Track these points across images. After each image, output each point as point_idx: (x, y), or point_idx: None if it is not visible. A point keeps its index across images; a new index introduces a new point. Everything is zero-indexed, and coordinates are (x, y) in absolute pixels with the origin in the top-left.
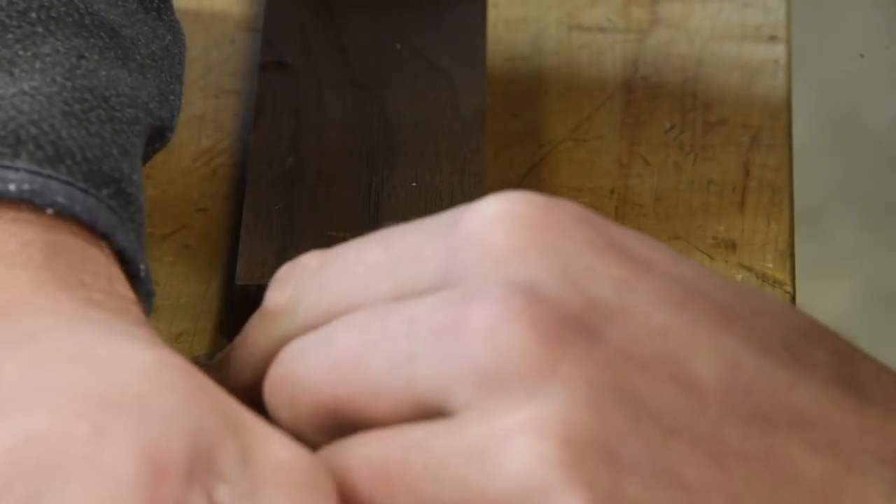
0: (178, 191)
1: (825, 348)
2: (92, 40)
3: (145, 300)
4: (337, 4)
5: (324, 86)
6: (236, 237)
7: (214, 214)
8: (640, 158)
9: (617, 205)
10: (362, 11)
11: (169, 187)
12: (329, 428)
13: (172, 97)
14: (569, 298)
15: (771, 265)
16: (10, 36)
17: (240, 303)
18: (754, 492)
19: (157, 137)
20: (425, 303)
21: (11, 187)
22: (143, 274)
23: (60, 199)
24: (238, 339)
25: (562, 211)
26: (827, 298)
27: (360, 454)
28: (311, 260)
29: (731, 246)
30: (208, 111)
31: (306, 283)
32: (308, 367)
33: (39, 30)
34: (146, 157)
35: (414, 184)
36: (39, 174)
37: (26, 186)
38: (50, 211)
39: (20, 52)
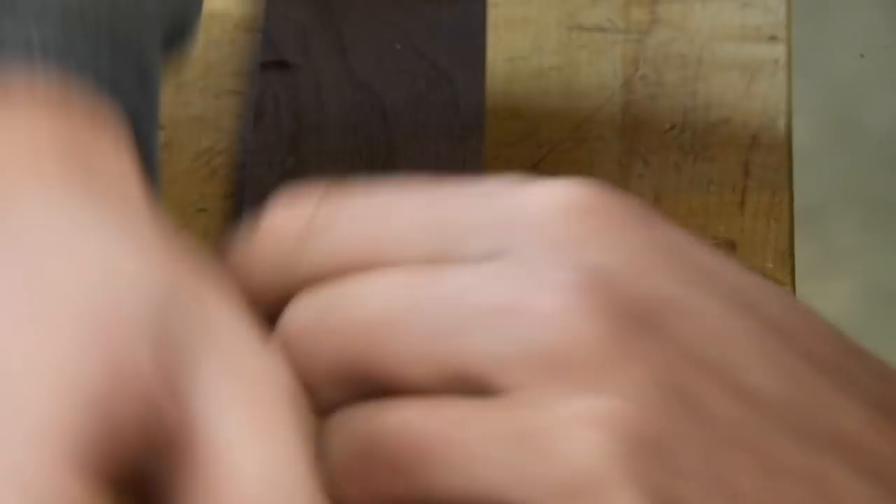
0: (178, 191)
1: (864, 369)
2: None
3: (151, 177)
4: (337, 4)
5: (324, 86)
6: (236, 237)
7: (214, 214)
8: (640, 158)
9: None
10: (362, 11)
11: (169, 187)
12: (345, 384)
13: None
14: (639, 292)
15: (771, 265)
16: None
17: None
18: None
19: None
20: (481, 273)
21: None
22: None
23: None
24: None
25: (629, 206)
26: (827, 298)
27: (400, 422)
28: (332, 191)
29: (731, 246)
30: (208, 111)
31: (326, 216)
32: (336, 322)
33: None
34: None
35: None
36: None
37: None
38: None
39: None
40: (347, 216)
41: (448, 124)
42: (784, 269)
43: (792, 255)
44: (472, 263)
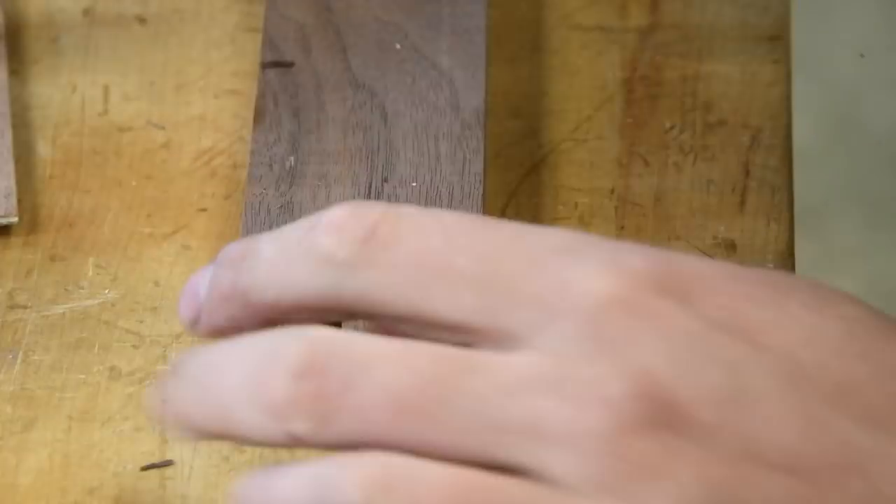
0: (178, 191)
1: None
2: None
3: None
4: (337, 4)
5: (324, 86)
6: (236, 237)
7: (214, 214)
8: (640, 158)
9: (617, 205)
10: (362, 11)
11: (169, 187)
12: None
13: None
14: (684, 391)
15: (771, 265)
16: None
17: None
18: None
19: None
20: (521, 372)
21: None
22: None
23: None
24: (267, 249)
25: (672, 281)
26: None
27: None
28: (384, 223)
29: (731, 246)
30: (208, 111)
31: (391, 231)
32: (367, 389)
33: None
34: None
35: (414, 184)
36: None
37: None
38: None
39: None
40: (411, 239)
41: (448, 124)
42: (784, 270)
43: (792, 255)
44: (510, 351)
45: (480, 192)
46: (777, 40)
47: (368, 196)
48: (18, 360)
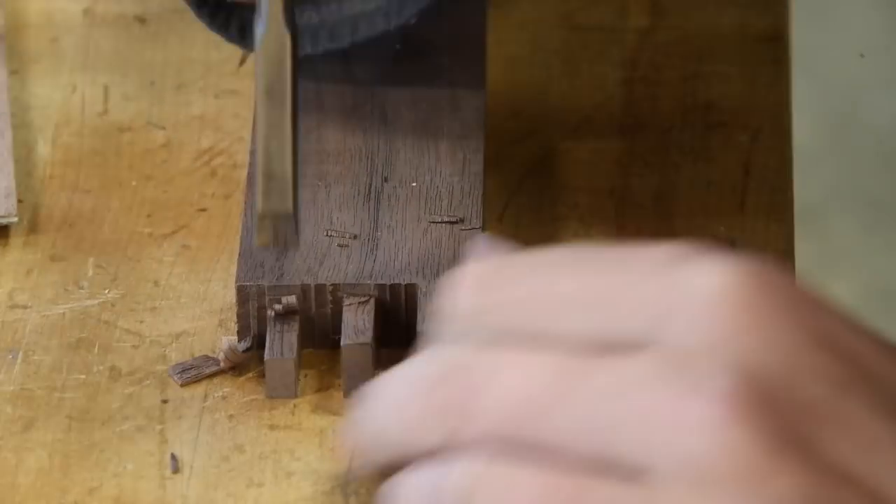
0: (178, 191)
1: None
2: None
3: None
4: None
5: (324, 86)
6: (236, 237)
7: (214, 214)
8: (640, 158)
9: (617, 205)
10: None
11: (169, 187)
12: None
13: None
14: (791, 398)
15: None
16: None
17: (240, 303)
18: None
19: None
20: (638, 369)
21: None
22: None
23: None
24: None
25: (791, 293)
26: None
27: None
28: (503, 269)
29: (731, 246)
30: (208, 111)
31: (495, 295)
32: (490, 395)
33: None
34: None
35: (414, 184)
36: None
37: None
38: None
39: None
40: (513, 294)
41: (448, 124)
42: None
43: (792, 255)
44: (628, 354)
45: (480, 192)
46: (777, 40)
47: (368, 196)
48: (18, 360)
